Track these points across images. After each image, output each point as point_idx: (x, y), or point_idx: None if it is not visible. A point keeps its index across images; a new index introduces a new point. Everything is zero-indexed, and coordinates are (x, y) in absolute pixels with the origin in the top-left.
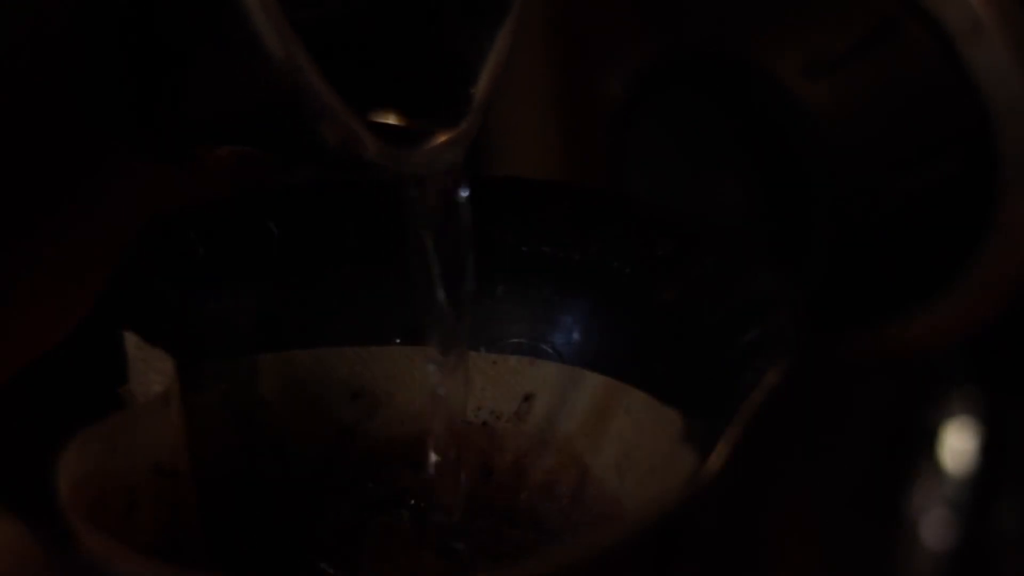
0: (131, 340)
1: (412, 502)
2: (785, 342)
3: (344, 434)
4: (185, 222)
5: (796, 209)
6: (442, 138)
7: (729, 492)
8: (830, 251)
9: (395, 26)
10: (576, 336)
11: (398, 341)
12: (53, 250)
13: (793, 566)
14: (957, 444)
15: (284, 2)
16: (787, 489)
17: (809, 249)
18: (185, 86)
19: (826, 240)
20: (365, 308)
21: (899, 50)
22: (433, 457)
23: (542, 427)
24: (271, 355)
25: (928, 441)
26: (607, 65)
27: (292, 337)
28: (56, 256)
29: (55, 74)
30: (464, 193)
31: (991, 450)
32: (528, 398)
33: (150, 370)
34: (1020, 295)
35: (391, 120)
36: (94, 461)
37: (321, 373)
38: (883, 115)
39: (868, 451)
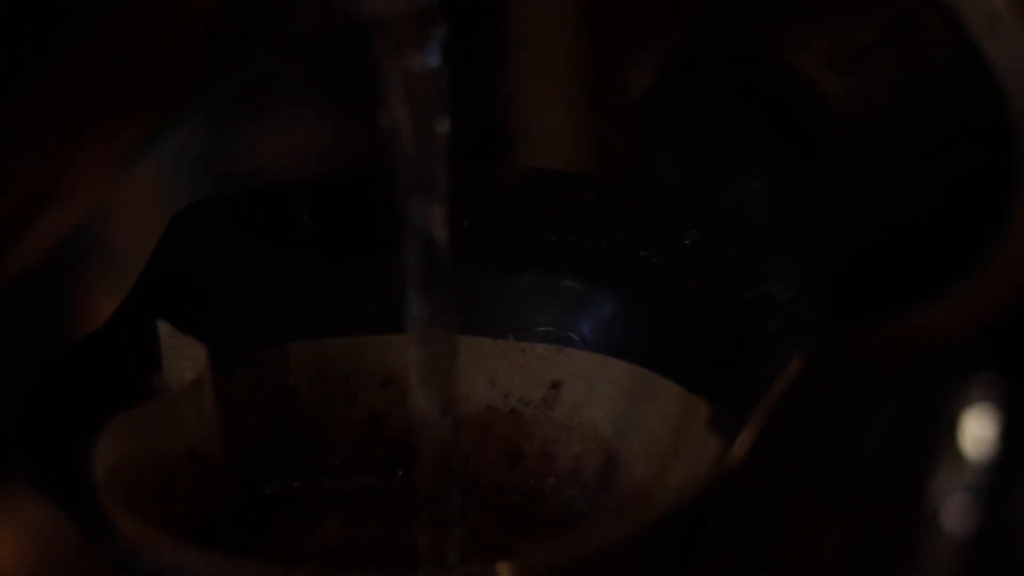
0: (164, 329)
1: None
2: (807, 331)
3: (373, 420)
4: (216, 212)
5: (817, 200)
6: None
7: (752, 478)
8: (850, 242)
9: None
10: (603, 324)
11: None
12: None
13: (815, 550)
14: (977, 431)
15: None
16: (810, 475)
17: (830, 240)
18: None
19: (846, 231)
20: (396, 297)
21: (919, 44)
22: (425, 449)
23: (569, 414)
24: (302, 343)
25: (949, 428)
26: (633, 57)
27: (323, 325)
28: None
29: None
30: (437, 46)
31: (1010, 436)
32: (555, 385)
33: (183, 358)
34: None
35: None
36: (128, 448)
37: (351, 361)
38: (903, 108)
39: (890, 438)
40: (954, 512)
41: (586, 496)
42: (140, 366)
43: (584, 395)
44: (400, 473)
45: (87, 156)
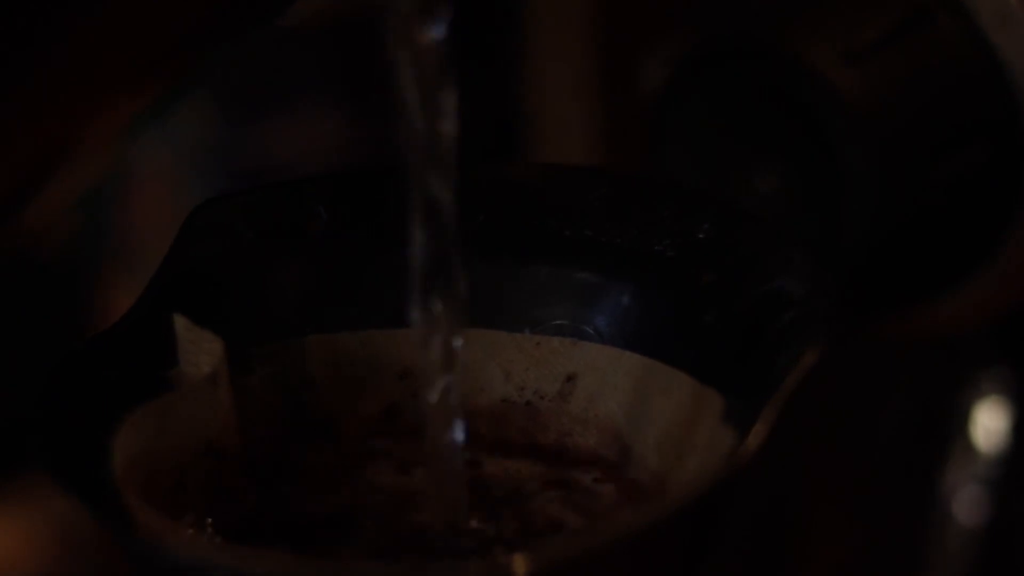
0: (180, 323)
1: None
2: (821, 324)
3: (390, 413)
4: (233, 207)
5: (830, 194)
6: None
7: (766, 470)
8: (863, 236)
9: None
10: (617, 318)
11: None
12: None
13: (828, 543)
14: (989, 423)
15: None
16: (823, 468)
17: (843, 233)
18: None
19: (859, 225)
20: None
21: (930, 40)
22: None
23: (584, 407)
24: (319, 337)
25: (961, 421)
26: (647, 52)
27: (340, 319)
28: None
29: None
30: (440, 28)
31: (1022, 429)
32: (571, 378)
33: (199, 352)
34: None
35: None
36: (145, 441)
37: (368, 354)
38: (915, 104)
39: (902, 431)
40: (966, 505)
41: (600, 489)
42: (157, 360)
43: (599, 388)
44: (416, 466)
45: (97, 121)
